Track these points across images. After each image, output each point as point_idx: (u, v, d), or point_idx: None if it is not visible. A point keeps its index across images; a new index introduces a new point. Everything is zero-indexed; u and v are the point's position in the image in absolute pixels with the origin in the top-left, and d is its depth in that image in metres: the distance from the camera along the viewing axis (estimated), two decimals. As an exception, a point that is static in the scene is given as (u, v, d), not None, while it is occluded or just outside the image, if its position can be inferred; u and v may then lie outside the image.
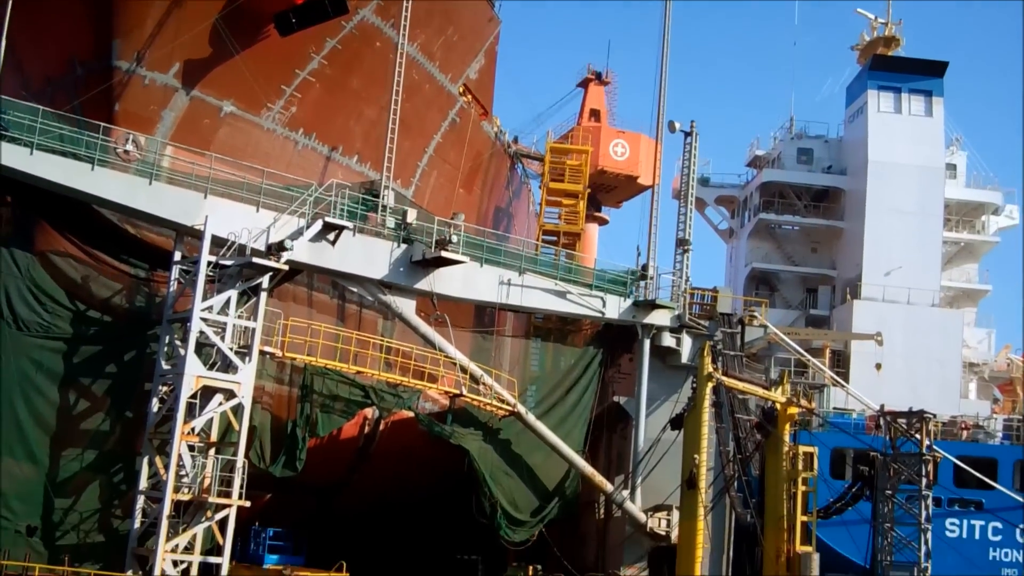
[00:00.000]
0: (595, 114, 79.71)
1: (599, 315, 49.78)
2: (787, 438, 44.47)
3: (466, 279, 46.55)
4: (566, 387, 50.22)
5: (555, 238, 64.78)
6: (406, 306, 45.57)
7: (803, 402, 45.74)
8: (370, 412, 47.04)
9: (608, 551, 49.54)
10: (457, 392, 45.68)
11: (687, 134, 52.98)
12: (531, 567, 46.22)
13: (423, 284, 45.55)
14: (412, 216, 45.89)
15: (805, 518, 43.56)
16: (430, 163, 53.55)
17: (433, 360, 45.58)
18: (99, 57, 42.01)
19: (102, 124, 40.15)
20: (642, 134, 74.33)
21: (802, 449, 44.30)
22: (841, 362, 62.96)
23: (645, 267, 50.82)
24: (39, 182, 38.94)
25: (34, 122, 38.63)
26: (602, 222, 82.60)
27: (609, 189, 79.55)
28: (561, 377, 50.68)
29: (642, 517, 47.96)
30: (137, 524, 38.96)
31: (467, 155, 55.87)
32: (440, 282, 45.75)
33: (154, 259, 41.99)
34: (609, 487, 48.91)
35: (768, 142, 77.69)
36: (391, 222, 45.67)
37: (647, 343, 49.78)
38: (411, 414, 46.47)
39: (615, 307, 49.66)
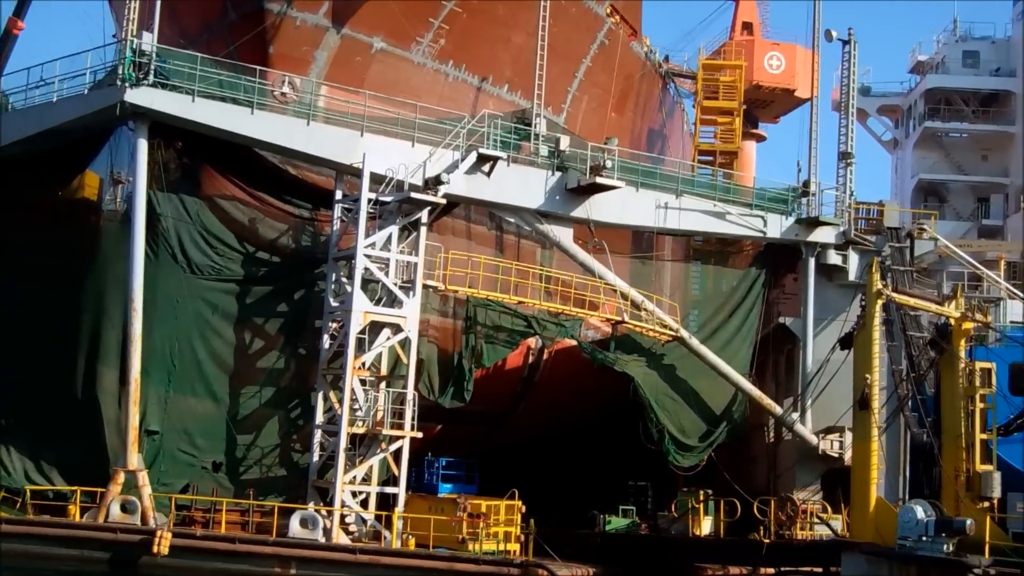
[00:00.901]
0: (747, 27, 77.35)
1: (760, 235, 48.62)
2: (963, 354, 42.79)
3: (622, 204, 45.95)
4: (729, 310, 49.35)
5: (711, 158, 63.48)
6: (563, 234, 45.33)
7: (978, 316, 43.91)
8: (533, 342, 47.17)
9: (779, 474, 48.82)
10: (619, 319, 45.38)
11: (845, 42, 50.83)
12: (701, 491, 45.89)
13: (579, 211, 45.16)
14: (565, 143, 45.44)
15: (984, 436, 41.97)
16: (580, 88, 52.83)
17: (593, 288, 45.31)
18: (251, 1, 42.59)
19: (258, 68, 40.79)
20: (797, 45, 71.83)
21: (979, 365, 42.52)
22: (1017, 273, 60.33)
23: (807, 183, 49.30)
24: (202, 128, 39.88)
25: (193, 69, 39.50)
26: (759, 139, 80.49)
27: (765, 104, 77.31)
28: (723, 300, 49.81)
29: (813, 439, 47.03)
30: (316, 457, 40.10)
31: (617, 77, 54.91)
32: (596, 209, 45.30)
33: (316, 199, 42.68)
34: (778, 410, 48.07)
35: (931, 46, 74.56)
36: (544, 150, 45.30)
37: (812, 262, 48.44)
38: (574, 342, 46.41)
39: (777, 226, 48.40)
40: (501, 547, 39.35)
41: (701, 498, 45.51)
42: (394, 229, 40.97)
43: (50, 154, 41.90)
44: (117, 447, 39.09)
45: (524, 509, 40.87)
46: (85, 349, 40.78)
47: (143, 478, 38.32)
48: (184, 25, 44.55)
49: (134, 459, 38.31)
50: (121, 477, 38.15)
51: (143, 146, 39.09)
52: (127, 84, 38.20)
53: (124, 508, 37.92)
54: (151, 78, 38.67)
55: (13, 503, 39.30)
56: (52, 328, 41.19)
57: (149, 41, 38.91)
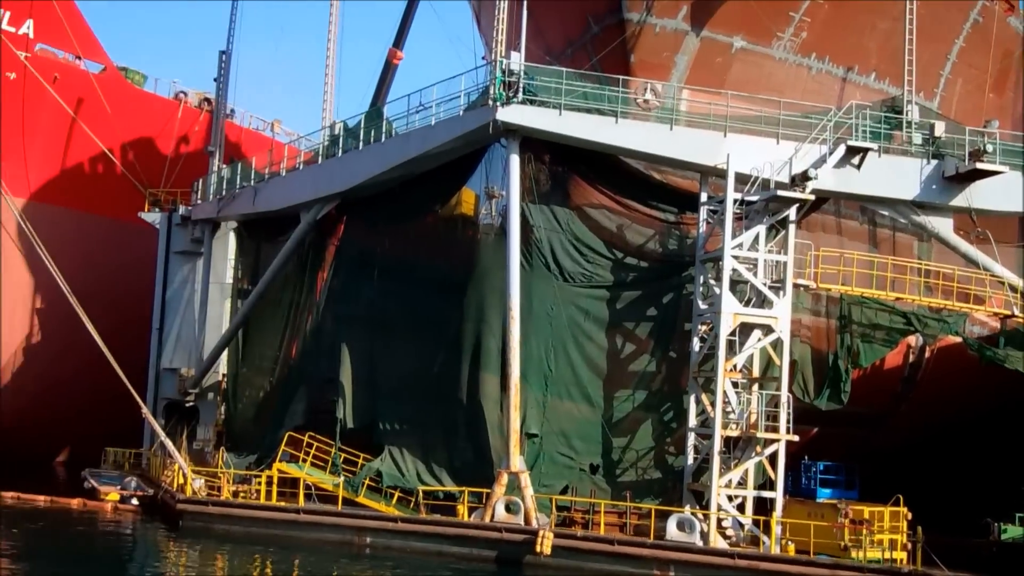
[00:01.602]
0: None
1: None
2: None
3: (1007, 190, 42.85)
4: None
5: (1106, 136, 58.00)
6: (942, 225, 42.93)
7: None
8: (913, 340, 45.04)
9: None
10: (1008, 313, 42.45)
11: None
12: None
13: (959, 200, 42.59)
14: (940, 129, 43.02)
15: None
16: (954, 70, 49.89)
17: (978, 280, 42.64)
18: (611, 12, 43.39)
19: (621, 77, 41.46)
20: None
21: None
22: None
23: None
24: (569, 140, 41.02)
25: (559, 84, 40.69)
26: None
27: None
28: None
29: None
30: (690, 460, 40.20)
31: (994, 56, 51.34)
32: (978, 196, 42.55)
33: (681, 202, 42.82)
34: None
35: None
36: (918, 138, 43.13)
37: None
38: (958, 339, 43.83)
39: None
40: (886, 555, 37.71)
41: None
42: (761, 228, 40.38)
43: (430, 174, 44.49)
44: (500, 450, 40.86)
45: (910, 516, 38.97)
46: (469, 356, 43.00)
47: (525, 479, 39.81)
48: (549, 42, 46.07)
49: (516, 461, 39.87)
50: (505, 479, 39.81)
51: (515, 161, 40.72)
52: (498, 103, 39.90)
53: (508, 508, 39.55)
54: (520, 96, 40.21)
55: (407, 503, 42.08)
56: (439, 337, 43.78)
57: (517, 61, 40.48)
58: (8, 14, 61.73)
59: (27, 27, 62.69)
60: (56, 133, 65.69)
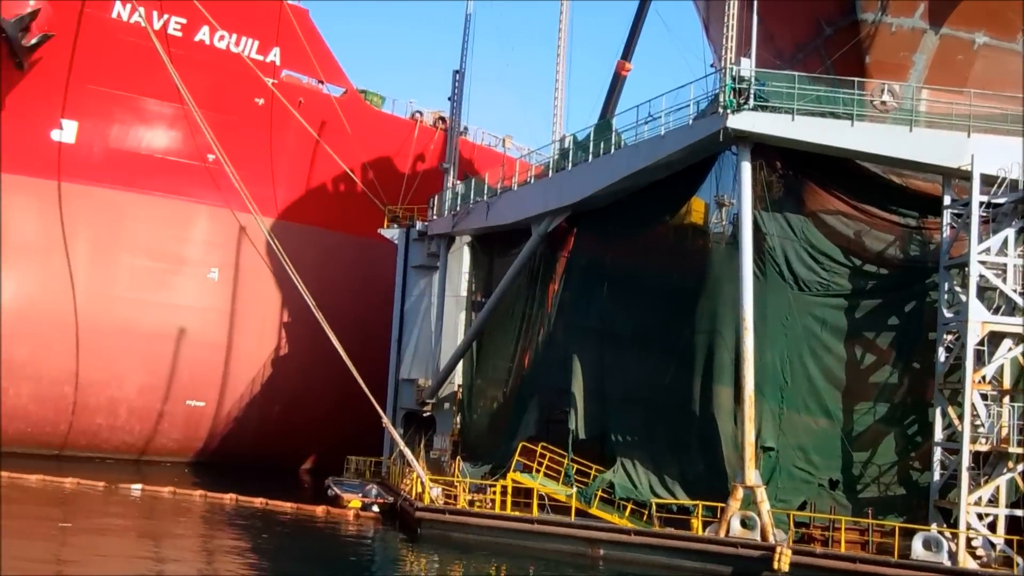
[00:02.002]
0: None
1: None
2: None
3: None
4: None
5: None
6: None
7: None
8: None
9: None
10: None
11: None
12: None
13: None
14: None
15: None
16: None
17: None
18: (844, 14, 42.19)
19: (855, 79, 40.19)
20: None
21: None
22: None
23: None
24: (803, 145, 40.05)
25: (791, 88, 39.79)
26: None
27: None
28: None
29: None
30: (936, 476, 38.39)
31: None
32: None
33: (922, 206, 41.11)
34: None
35: None
36: None
37: None
38: None
39: None
40: None
41: None
42: (1010, 232, 38.26)
43: (660, 184, 44.28)
44: (735, 463, 40.15)
45: None
46: (701, 368, 42.47)
47: (761, 494, 38.97)
48: (779, 47, 45.19)
49: (752, 475, 39.09)
50: (740, 493, 39.10)
51: (747, 169, 40.04)
52: (729, 111, 39.36)
53: (744, 523, 38.79)
54: (751, 102, 39.52)
55: (640, 515, 41.90)
56: (670, 348, 43.46)
57: (747, 67, 39.84)
58: (256, 43, 65.33)
59: (274, 55, 66.23)
60: (301, 155, 69.13)
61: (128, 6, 61.30)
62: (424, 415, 58.44)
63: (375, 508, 50.43)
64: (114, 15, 61.63)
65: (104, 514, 47.82)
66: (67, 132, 63.91)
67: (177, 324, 65.86)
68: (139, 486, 53.39)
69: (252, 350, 68.26)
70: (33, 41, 59.36)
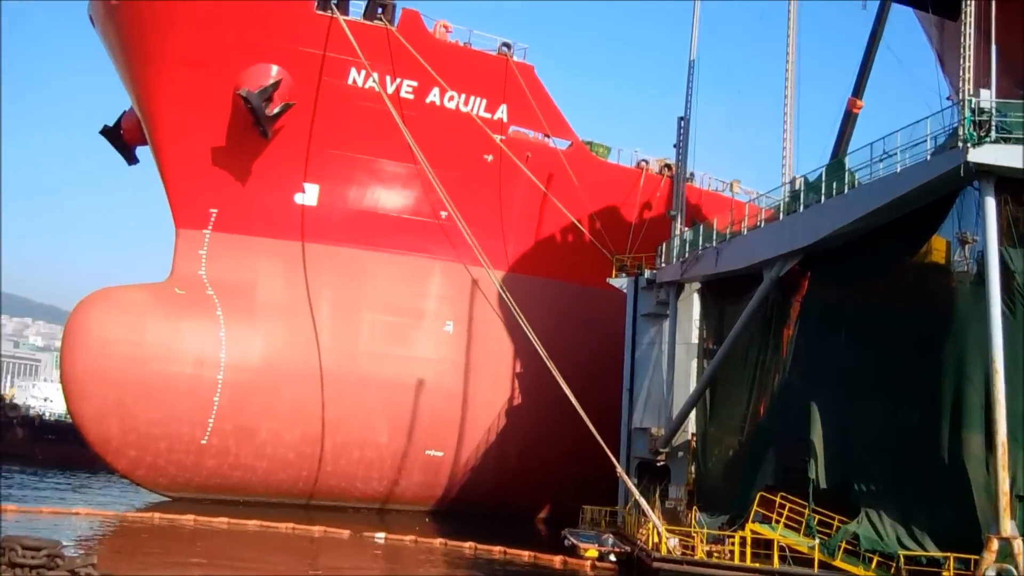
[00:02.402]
0: None
1: None
2: None
3: None
4: None
5: None
6: None
7: None
8: None
9: None
10: None
11: None
12: None
13: None
14: None
15: None
16: None
17: None
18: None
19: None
20: None
21: None
22: None
23: None
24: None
25: (1032, 118, 37.89)
26: None
27: None
28: None
29: None
30: None
31: None
32: None
33: None
34: None
35: None
36: None
37: None
38: None
39: None
40: None
41: None
42: None
43: (897, 223, 42.78)
44: (989, 513, 38.04)
45: None
46: (949, 413, 40.54)
47: (1018, 546, 36.77)
48: (1019, 76, 43.09)
49: (1007, 526, 36.96)
50: (995, 544, 37.01)
51: (991, 204, 38.25)
52: (969, 144, 37.74)
53: (1000, 577, 36.71)
54: (993, 134, 37.81)
55: (887, 567, 40.18)
56: (914, 393, 41.73)
57: (987, 98, 38.17)
58: (484, 101, 67.18)
59: (501, 112, 67.94)
60: (529, 208, 70.47)
61: (363, 72, 64.21)
62: (658, 464, 58.03)
63: (612, 558, 50.27)
64: (349, 82, 64.66)
65: (351, 560, 49.53)
66: (309, 195, 67.32)
67: (416, 376, 67.94)
68: (382, 534, 55.06)
69: (487, 400, 69.64)
70: (276, 110, 62.93)
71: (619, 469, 52.45)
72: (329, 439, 66.57)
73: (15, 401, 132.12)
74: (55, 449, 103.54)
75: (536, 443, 68.86)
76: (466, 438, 69.16)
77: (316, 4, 62.79)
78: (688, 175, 69.53)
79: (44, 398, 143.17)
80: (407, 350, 68.63)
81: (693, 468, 55.22)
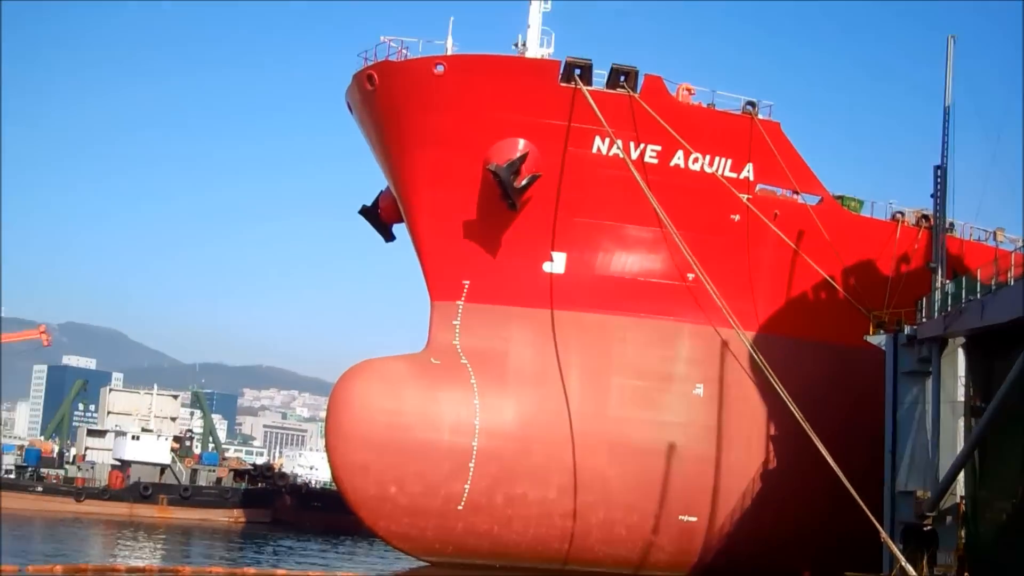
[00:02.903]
0: None
1: None
2: None
3: None
4: None
5: None
6: None
7: None
8: None
9: None
10: None
11: None
12: None
13: None
14: None
15: None
16: None
17: None
18: None
19: None
20: None
21: None
22: None
23: None
24: None
25: None
26: None
27: None
28: None
29: None
30: None
31: None
32: None
33: None
34: None
35: None
36: None
37: None
38: None
39: None
40: None
41: None
42: None
43: None
44: None
45: None
46: None
47: None
48: None
49: None
50: None
51: None
52: None
53: None
54: None
55: None
56: None
57: None
58: (729, 161, 66.77)
59: (747, 171, 67.30)
60: (778, 266, 69.15)
61: (607, 140, 65.06)
62: (925, 529, 55.18)
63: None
64: (594, 150, 65.64)
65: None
66: (557, 263, 68.40)
67: (666, 440, 67.38)
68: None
69: (740, 463, 68.19)
70: (523, 183, 64.52)
71: (883, 534, 50.25)
72: (581, 504, 66.72)
73: (283, 470, 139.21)
74: (321, 516, 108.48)
75: (794, 507, 66.75)
76: (720, 503, 67.80)
77: (560, 77, 64.21)
78: (947, 225, 66.66)
79: (310, 466, 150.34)
80: (657, 414, 68.20)
81: (963, 533, 52.23)
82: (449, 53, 65.10)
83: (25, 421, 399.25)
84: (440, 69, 64.37)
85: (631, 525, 67.37)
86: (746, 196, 67.35)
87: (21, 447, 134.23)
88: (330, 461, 69.39)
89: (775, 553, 67.17)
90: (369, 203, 77.07)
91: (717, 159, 66.79)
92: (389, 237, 77.77)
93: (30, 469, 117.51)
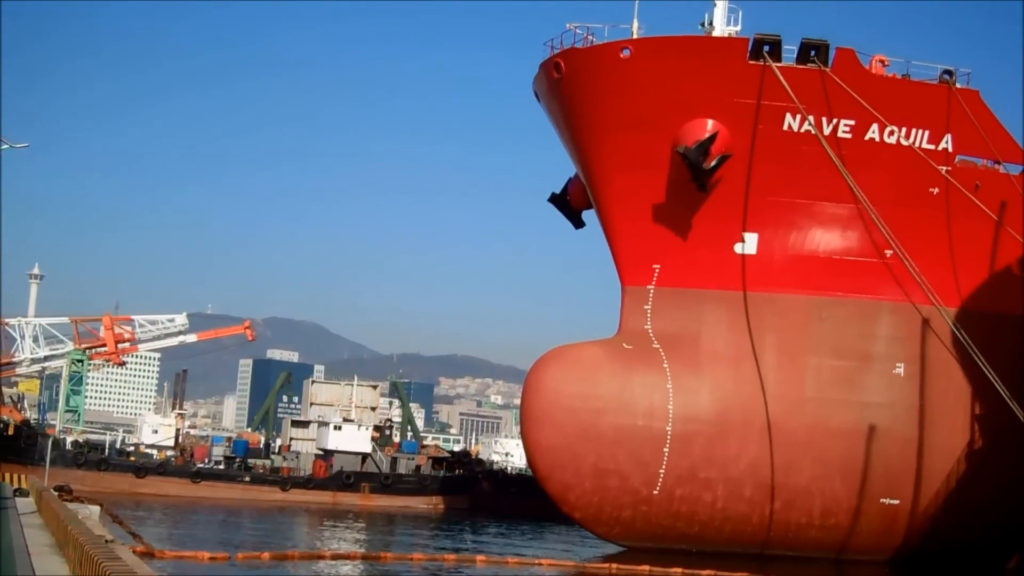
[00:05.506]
0: None
1: None
2: None
3: None
4: None
5: None
6: None
7: None
8: None
9: None
10: None
11: None
12: None
13: None
14: None
15: None
16: None
17: None
18: None
19: None
20: None
21: None
22: None
23: None
24: None
25: None
26: None
27: None
28: None
29: None
30: None
31: None
32: None
33: None
34: None
35: None
36: None
37: None
38: None
39: None
40: None
41: None
42: None
43: None
44: None
45: None
46: None
47: None
48: None
49: None
50: None
51: None
52: None
53: None
54: None
55: None
56: None
57: None
58: (927, 133, 64.74)
59: (946, 142, 65.12)
60: (980, 240, 66.65)
61: (798, 117, 63.99)
62: None
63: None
64: (785, 127, 64.66)
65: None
66: (748, 244, 67.65)
67: (866, 421, 65.95)
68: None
69: (944, 444, 66.13)
70: (713, 163, 64.10)
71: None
72: (779, 487, 65.99)
73: (480, 457, 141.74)
74: (518, 501, 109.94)
75: (1004, 489, 64.41)
76: (924, 485, 65.98)
77: (748, 54, 63.50)
78: None
79: (506, 453, 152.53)
80: (857, 395, 66.79)
81: None
82: (635, 37, 65.19)
83: (232, 413, 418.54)
84: (626, 53, 64.50)
85: (830, 509, 66.27)
86: (945, 168, 65.19)
87: (229, 439, 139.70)
88: (525, 447, 70.48)
89: (982, 536, 64.99)
90: (558, 190, 77.86)
91: (914, 131, 64.85)
92: (579, 224, 78.36)
93: (238, 460, 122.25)
